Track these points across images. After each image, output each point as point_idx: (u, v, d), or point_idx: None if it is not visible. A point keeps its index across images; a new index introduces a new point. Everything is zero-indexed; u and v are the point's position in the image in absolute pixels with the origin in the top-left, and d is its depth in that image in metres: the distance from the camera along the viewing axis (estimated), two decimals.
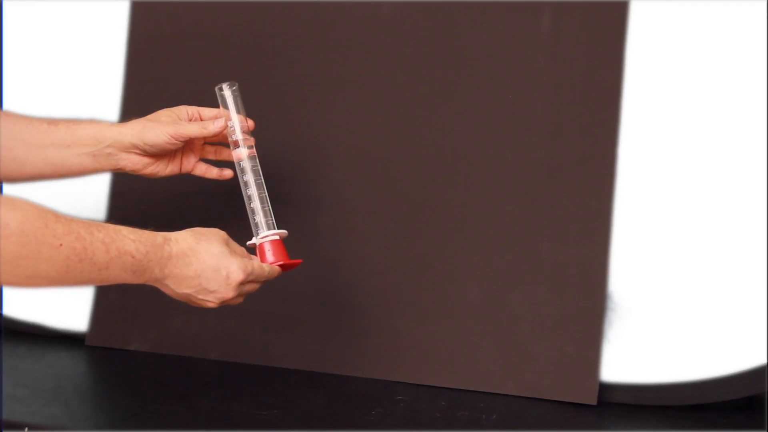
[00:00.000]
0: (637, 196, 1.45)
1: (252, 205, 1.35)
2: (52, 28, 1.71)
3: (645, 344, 1.44)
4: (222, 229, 1.28)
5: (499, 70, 1.50)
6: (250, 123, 1.37)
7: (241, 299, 1.29)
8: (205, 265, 1.24)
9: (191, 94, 1.61)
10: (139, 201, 1.62)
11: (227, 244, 1.26)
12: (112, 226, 1.18)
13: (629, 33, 1.46)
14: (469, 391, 1.46)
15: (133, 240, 1.19)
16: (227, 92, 1.37)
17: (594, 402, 1.42)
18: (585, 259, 1.45)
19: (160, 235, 1.22)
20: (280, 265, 1.32)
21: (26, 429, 1.29)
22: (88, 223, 1.16)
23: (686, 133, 1.44)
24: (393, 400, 1.42)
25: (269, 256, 1.33)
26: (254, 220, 1.35)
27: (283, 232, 1.35)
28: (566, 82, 1.48)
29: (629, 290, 1.45)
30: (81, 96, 1.69)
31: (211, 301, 1.26)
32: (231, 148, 1.37)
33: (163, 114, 1.37)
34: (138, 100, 1.65)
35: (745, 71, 1.42)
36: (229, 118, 1.37)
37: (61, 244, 1.12)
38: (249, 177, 1.36)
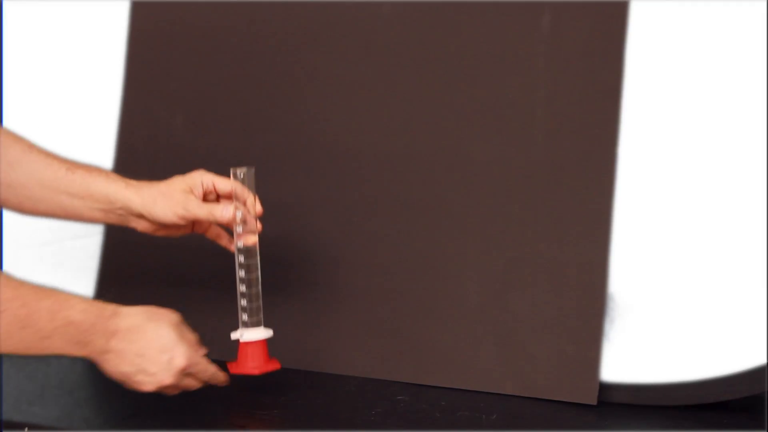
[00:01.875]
0: (637, 196, 1.45)
1: (242, 302, 1.35)
2: (52, 29, 1.71)
3: (645, 344, 1.44)
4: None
5: (499, 70, 1.50)
6: (259, 209, 1.35)
7: (176, 391, 1.28)
8: (149, 345, 1.22)
9: (191, 94, 1.61)
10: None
11: (177, 328, 1.25)
12: (63, 294, 1.18)
13: (629, 33, 1.46)
14: (469, 391, 1.46)
15: (81, 310, 1.18)
16: (242, 177, 1.34)
17: (594, 402, 1.42)
18: (585, 259, 1.45)
19: (111, 308, 1.22)
20: (259, 369, 1.34)
21: (26, 429, 1.30)
22: (39, 289, 1.16)
23: (686, 132, 1.44)
24: (393, 400, 1.42)
25: (248, 360, 1.34)
26: (242, 318, 1.35)
27: (269, 333, 1.35)
28: (566, 82, 1.47)
29: (629, 289, 1.45)
30: (81, 96, 1.69)
31: (149, 383, 1.24)
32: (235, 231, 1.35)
33: (177, 183, 1.34)
34: (138, 101, 1.66)
35: (745, 71, 1.42)
36: (239, 206, 1.34)
37: (4, 310, 1.11)
38: (245, 269, 1.35)
